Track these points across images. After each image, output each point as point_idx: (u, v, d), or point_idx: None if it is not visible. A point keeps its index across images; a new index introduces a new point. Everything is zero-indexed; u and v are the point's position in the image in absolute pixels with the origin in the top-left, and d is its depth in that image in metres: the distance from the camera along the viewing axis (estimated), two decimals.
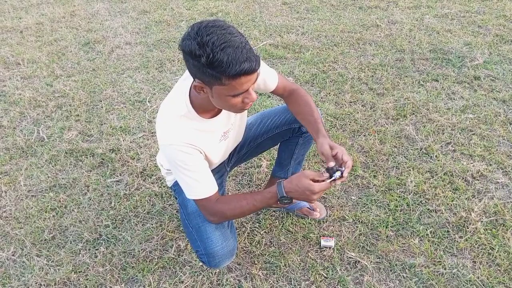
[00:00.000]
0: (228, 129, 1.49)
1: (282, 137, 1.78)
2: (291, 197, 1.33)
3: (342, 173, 1.33)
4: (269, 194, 1.36)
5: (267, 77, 1.51)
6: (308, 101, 1.57)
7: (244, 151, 1.81)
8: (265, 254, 1.81)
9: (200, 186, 1.36)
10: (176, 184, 1.62)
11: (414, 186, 2.08)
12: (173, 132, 1.31)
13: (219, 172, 1.72)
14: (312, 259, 1.77)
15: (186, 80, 1.36)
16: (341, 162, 1.36)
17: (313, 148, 2.33)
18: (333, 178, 1.32)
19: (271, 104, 2.77)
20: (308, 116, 1.54)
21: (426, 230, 1.86)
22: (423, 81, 2.90)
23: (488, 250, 1.76)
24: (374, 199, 2.03)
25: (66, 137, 2.56)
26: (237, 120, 1.54)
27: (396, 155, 2.29)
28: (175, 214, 2.01)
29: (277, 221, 1.95)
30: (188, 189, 1.38)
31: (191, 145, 1.32)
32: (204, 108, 1.35)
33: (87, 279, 1.74)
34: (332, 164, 1.35)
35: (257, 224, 1.95)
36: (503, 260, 1.71)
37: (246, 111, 1.60)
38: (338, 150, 1.37)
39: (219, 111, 1.42)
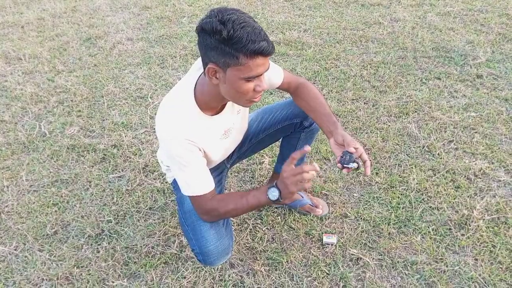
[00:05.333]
0: (229, 127, 1.48)
1: (283, 132, 1.78)
2: (280, 188, 1.28)
3: (358, 166, 1.33)
4: (261, 188, 1.35)
5: (272, 72, 1.51)
6: (316, 94, 1.56)
7: (245, 148, 1.80)
8: (267, 250, 1.81)
9: (197, 183, 1.36)
10: (175, 180, 1.61)
11: (416, 183, 2.08)
12: (174, 127, 1.30)
13: (219, 168, 1.72)
14: (314, 256, 1.78)
15: (191, 75, 1.36)
16: (359, 155, 1.35)
17: (315, 145, 2.33)
18: (349, 166, 1.32)
19: (273, 101, 2.76)
20: (320, 109, 1.52)
21: (428, 227, 1.86)
22: (425, 79, 2.90)
23: (490, 248, 1.76)
24: (376, 197, 2.03)
25: (67, 133, 2.56)
26: (239, 119, 1.53)
27: (399, 152, 2.29)
28: (177, 209, 2.01)
29: (279, 217, 1.95)
30: (184, 185, 1.37)
31: (191, 141, 1.31)
32: (208, 104, 1.34)
33: (89, 274, 1.74)
34: (352, 150, 1.33)
35: (259, 220, 1.95)
36: (505, 257, 1.72)
37: (248, 110, 1.61)
38: (359, 147, 1.36)
39: (222, 109, 1.41)
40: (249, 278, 1.71)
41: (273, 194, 1.29)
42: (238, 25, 1.11)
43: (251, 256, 1.80)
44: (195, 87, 1.33)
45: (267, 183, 2.04)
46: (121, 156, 2.36)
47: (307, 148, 1.23)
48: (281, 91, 2.81)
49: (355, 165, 1.33)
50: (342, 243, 1.82)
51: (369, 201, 2.01)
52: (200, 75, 1.34)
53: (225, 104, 1.41)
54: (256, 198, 1.34)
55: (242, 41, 1.11)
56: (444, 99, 2.69)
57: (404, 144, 2.34)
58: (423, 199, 2.00)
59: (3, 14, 4.30)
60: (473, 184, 2.07)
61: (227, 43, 1.12)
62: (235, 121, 1.51)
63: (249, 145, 1.80)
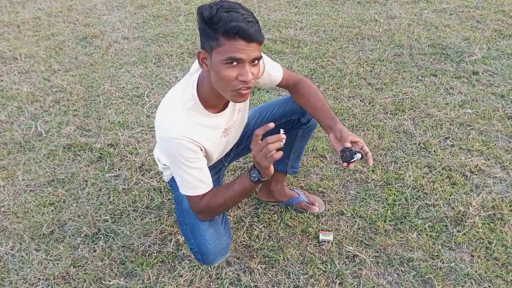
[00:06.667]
0: (230, 126, 1.48)
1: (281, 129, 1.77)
2: (256, 167, 1.27)
3: (362, 155, 1.32)
4: (244, 173, 1.35)
5: (272, 70, 1.51)
6: (314, 90, 1.56)
7: (243, 146, 1.80)
8: (264, 248, 1.81)
9: (197, 183, 1.36)
10: (173, 179, 1.61)
11: (413, 180, 2.08)
12: (177, 125, 1.29)
13: (216, 167, 1.72)
14: (311, 253, 1.78)
15: (192, 74, 1.35)
16: (360, 148, 1.35)
17: (311, 142, 2.34)
18: (354, 159, 1.31)
19: (270, 99, 2.76)
20: (318, 105, 1.52)
21: (424, 224, 1.87)
22: (421, 76, 2.90)
23: (486, 244, 1.77)
24: (373, 194, 2.03)
25: (64, 132, 2.55)
26: (239, 118, 1.53)
27: (395, 149, 2.29)
28: (174, 209, 2.01)
29: (275, 215, 1.96)
30: (183, 184, 1.37)
31: (194, 141, 1.31)
32: (210, 101, 1.34)
33: (86, 273, 1.74)
34: (348, 144, 1.33)
35: (256, 218, 1.95)
36: (501, 254, 1.72)
37: (247, 107, 1.60)
38: (360, 140, 1.36)
39: (225, 107, 1.41)
40: (245, 276, 1.71)
41: (253, 175, 1.29)
42: (224, 9, 1.11)
43: (248, 254, 1.80)
44: (197, 85, 1.33)
45: None
46: (117, 155, 2.35)
47: (271, 124, 1.20)
48: (278, 88, 2.82)
49: (359, 155, 1.32)
50: (338, 240, 1.83)
51: (365, 198, 2.01)
52: (201, 71, 1.33)
53: (228, 102, 1.41)
54: (240, 184, 1.34)
55: (221, 21, 1.11)
56: (440, 96, 2.70)
57: (400, 141, 2.35)
58: (419, 196, 2.01)
59: None
60: (469, 181, 2.07)
61: (208, 24, 1.13)
62: (236, 119, 1.51)
63: (247, 142, 1.80)
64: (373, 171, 2.16)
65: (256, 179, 1.30)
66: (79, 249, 1.85)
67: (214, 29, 1.13)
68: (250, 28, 1.12)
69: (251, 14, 1.16)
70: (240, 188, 1.35)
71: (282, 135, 1.20)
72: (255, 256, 1.78)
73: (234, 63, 1.16)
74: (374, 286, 1.65)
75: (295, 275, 1.71)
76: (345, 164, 1.33)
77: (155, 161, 2.26)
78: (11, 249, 1.86)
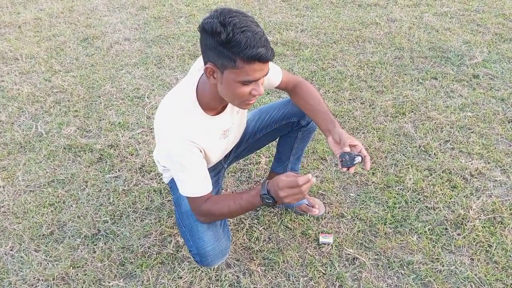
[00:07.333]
0: (228, 127, 1.48)
1: (281, 131, 1.78)
2: (273, 196, 1.26)
3: (361, 158, 1.32)
4: (253, 191, 1.32)
5: (271, 72, 1.51)
6: (314, 92, 1.56)
7: (242, 148, 1.80)
8: (264, 250, 1.81)
9: (196, 184, 1.36)
10: (173, 181, 1.61)
11: (413, 183, 2.08)
12: (177, 127, 1.29)
13: (216, 169, 1.72)
14: (311, 256, 1.78)
15: (192, 75, 1.35)
16: (358, 151, 1.34)
17: (311, 144, 2.34)
18: (354, 163, 1.31)
19: (270, 101, 2.77)
20: (318, 107, 1.52)
21: (424, 227, 1.87)
22: (422, 79, 2.90)
23: (486, 248, 1.77)
24: (373, 196, 2.03)
25: (64, 133, 2.55)
26: (238, 119, 1.53)
27: (395, 152, 2.29)
28: (174, 210, 2.01)
29: (275, 217, 1.95)
30: (183, 186, 1.37)
31: (193, 143, 1.31)
32: (210, 104, 1.34)
33: (85, 274, 1.74)
34: (347, 149, 1.32)
35: (256, 220, 1.95)
36: (501, 257, 1.72)
37: (246, 110, 1.60)
38: (358, 144, 1.36)
39: (223, 109, 1.41)
40: (245, 278, 1.71)
41: (267, 201, 1.28)
42: (238, 28, 1.09)
43: (248, 256, 1.80)
44: (197, 87, 1.33)
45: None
46: (117, 156, 2.35)
47: (309, 175, 1.21)
48: (278, 90, 2.82)
49: (358, 158, 1.32)
50: (338, 243, 1.82)
51: (366, 201, 2.01)
52: (202, 75, 1.33)
53: (227, 105, 1.41)
54: (249, 203, 1.34)
55: (240, 46, 1.09)
56: (440, 99, 2.70)
57: (401, 144, 2.35)
58: (419, 199, 2.01)
59: (0, 14, 4.29)
60: (469, 184, 2.07)
61: (225, 45, 1.11)
62: (234, 121, 1.51)
63: (246, 144, 1.80)
64: (373, 173, 2.16)
65: (270, 204, 1.28)
66: (78, 250, 1.85)
67: (232, 52, 1.12)
68: (268, 51, 1.13)
69: (260, 28, 1.15)
70: (248, 205, 1.35)
71: (311, 177, 1.20)
72: (254, 258, 1.78)
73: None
74: None
75: (295, 277, 1.70)
76: (344, 169, 1.34)
77: (155, 162, 2.26)
78: (11, 250, 1.86)
